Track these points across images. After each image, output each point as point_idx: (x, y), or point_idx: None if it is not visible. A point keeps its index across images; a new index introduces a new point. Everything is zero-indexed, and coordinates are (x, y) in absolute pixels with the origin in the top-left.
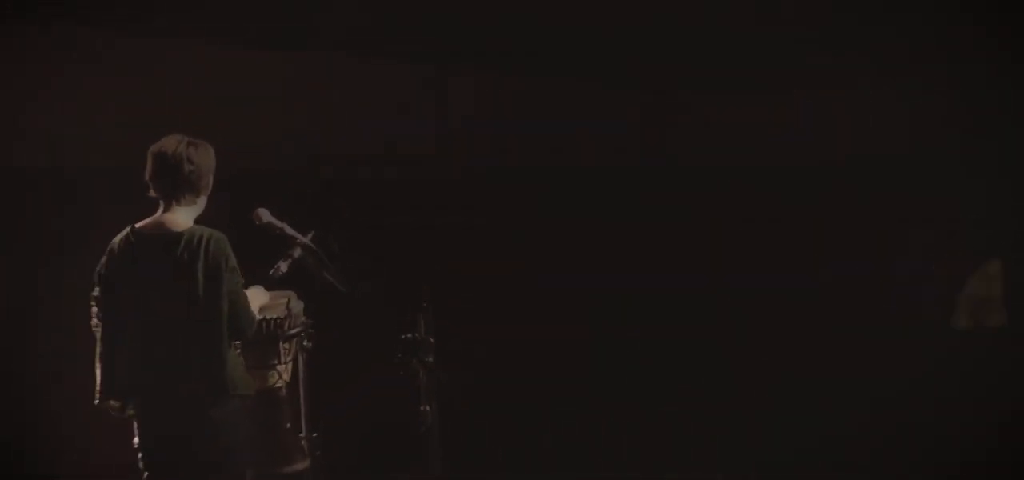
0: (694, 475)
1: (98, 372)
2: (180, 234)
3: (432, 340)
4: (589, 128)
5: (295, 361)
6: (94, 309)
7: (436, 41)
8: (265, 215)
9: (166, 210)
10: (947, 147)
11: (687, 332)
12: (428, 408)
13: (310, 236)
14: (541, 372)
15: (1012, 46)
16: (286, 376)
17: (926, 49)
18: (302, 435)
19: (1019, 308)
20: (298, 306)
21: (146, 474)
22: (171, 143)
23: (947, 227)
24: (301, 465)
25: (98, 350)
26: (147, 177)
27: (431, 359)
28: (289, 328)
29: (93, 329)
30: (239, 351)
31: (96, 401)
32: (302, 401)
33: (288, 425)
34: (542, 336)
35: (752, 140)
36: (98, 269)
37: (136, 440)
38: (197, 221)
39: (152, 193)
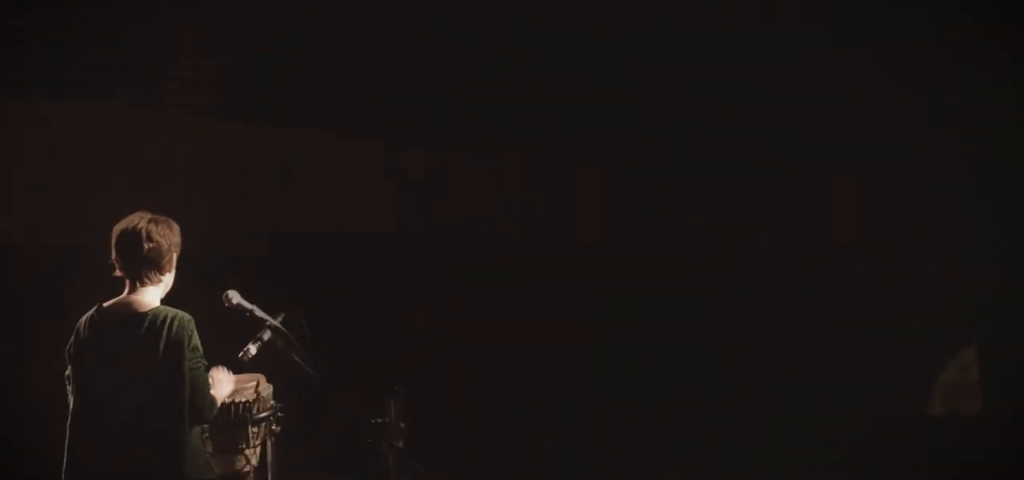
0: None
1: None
2: (144, 314)
3: (403, 424)
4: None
5: (263, 446)
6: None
7: (410, 120)
8: (235, 297)
9: (132, 290)
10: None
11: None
12: None
13: (280, 318)
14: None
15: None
16: (254, 461)
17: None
18: None
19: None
20: (267, 389)
21: None
22: (132, 221)
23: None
24: None
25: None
26: (111, 257)
27: (401, 444)
28: (258, 412)
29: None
30: (206, 435)
31: None
32: None
33: None
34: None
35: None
36: (67, 348)
37: None
38: (164, 301)
39: (117, 272)
